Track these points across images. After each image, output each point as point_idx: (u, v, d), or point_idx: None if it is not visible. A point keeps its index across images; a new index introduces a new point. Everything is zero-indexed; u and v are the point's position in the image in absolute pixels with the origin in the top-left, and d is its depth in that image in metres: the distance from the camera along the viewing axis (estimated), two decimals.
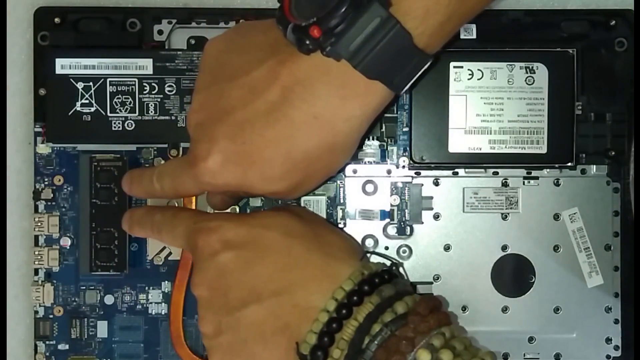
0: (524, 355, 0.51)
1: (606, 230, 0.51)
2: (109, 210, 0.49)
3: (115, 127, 0.49)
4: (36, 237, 0.50)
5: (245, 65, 0.41)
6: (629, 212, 0.48)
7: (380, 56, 0.38)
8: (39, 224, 0.50)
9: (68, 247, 0.50)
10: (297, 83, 0.39)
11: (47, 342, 0.50)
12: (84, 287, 0.50)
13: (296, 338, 0.40)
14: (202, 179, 0.42)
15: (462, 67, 0.49)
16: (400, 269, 0.44)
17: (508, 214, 0.51)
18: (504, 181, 0.51)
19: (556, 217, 0.51)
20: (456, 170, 0.51)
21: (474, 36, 0.50)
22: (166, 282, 0.51)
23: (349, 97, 0.39)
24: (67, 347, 0.50)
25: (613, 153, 0.50)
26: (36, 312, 0.50)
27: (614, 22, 0.50)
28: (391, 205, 0.51)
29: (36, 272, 0.50)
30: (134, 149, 0.50)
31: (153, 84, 0.49)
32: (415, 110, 0.50)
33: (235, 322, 0.41)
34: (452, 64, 0.49)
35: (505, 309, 0.51)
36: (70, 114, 0.49)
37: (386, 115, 0.50)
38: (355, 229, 0.50)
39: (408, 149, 0.50)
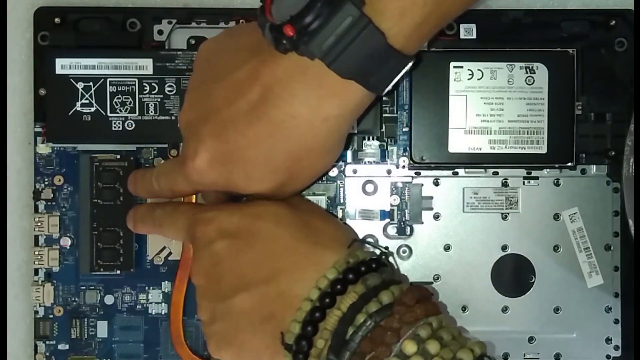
0: (524, 355, 0.51)
1: (606, 230, 0.51)
2: (113, 209, 0.49)
3: (115, 127, 0.49)
4: (36, 237, 0.50)
5: (230, 65, 0.41)
6: (624, 213, 0.48)
7: (354, 55, 0.38)
8: (39, 224, 0.50)
9: (68, 247, 0.50)
10: (276, 82, 0.40)
11: (47, 342, 0.50)
12: (84, 287, 0.50)
13: (281, 327, 0.41)
14: (192, 178, 0.43)
15: (462, 67, 0.49)
16: (390, 258, 0.44)
17: (508, 214, 0.51)
18: (504, 181, 0.51)
19: (556, 217, 0.51)
20: (456, 170, 0.51)
21: (474, 36, 0.50)
22: (166, 282, 0.51)
23: (326, 96, 0.40)
24: (67, 347, 0.50)
25: (613, 153, 0.50)
26: (36, 312, 0.50)
27: (614, 22, 0.50)
28: (391, 205, 0.51)
29: (36, 272, 0.50)
30: (134, 149, 0.50)
31: (153, 84, 0.49)
32: (415, 110, 0.50)
33: (227, 310, 0.42)
34: (452, 64, 0.49)
35: (505, 309, 0.51)
36: (70, 114, 0.49)
37: (386, 115, 0.50)
38: (355, 229, 0.50)
39: (408, 149, 0.50)
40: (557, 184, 0.51)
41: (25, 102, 0.51)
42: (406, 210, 0.51)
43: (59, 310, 0.50)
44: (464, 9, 0.41)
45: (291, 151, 0.41)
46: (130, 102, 0.49)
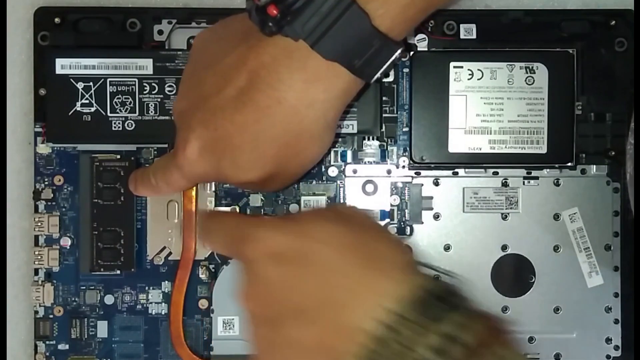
0: (524, 355, 0.51)
1: (606, 230, 0.51)
2: (113, 209, 0.49)
3: (115, 127, 0.49)
4: (36, 237, 0.50)
5: (220, 53, 0.42)
6: (629, 212, 0.48)
7: (337, 36, 0.39)
8: (39, 224, 0.50)
9: (68, 247, 0.50)
10: (262, 67, 0.40)
11: (47, 342, 0.50)
12: (84, 287, 0.50)
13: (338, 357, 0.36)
14: (184, 169, 0.43)
15: (462, 67, 0.49)
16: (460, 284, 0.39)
17: (508, 214, 0.51)
18: (504, 181, 0.51)
19: (556, 217, 0.51)
20: (456, 170, 0.51)
21: (474, 36, 0.50)
22: (166, 282, 0.51)
23: (311, 80, 0.40)
24: (67, 347, 0.50)
25: (613, 153, 0.50)
26: (36, 312, 0.50)
27: (614, 22, 0.50)
28: (391, 205, 0.51)
29: (36, 272, 0.50)
30: (134, 149, 0.50)
31: (153, 84, 0.49)
32: (415, 110, 0.50)
33: (282, 340, 0.37)
34: (452, 64, 0.49)
35: (505, 309, 0.51)
36: (70, 114, 0.49)
37: (386, 115, 0.50)
38: None
39: (408, 149, 0.50)
40: (557, 184, 0.51)
41: (25, 102, 0.51)
42: (406, 210, 0.51)
43: (59, 310, 0.50)
44: None
45: (277, 138, 0.41)
46: (130, 102, 0.49)
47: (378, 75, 0.41)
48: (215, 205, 0.50)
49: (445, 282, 0.38)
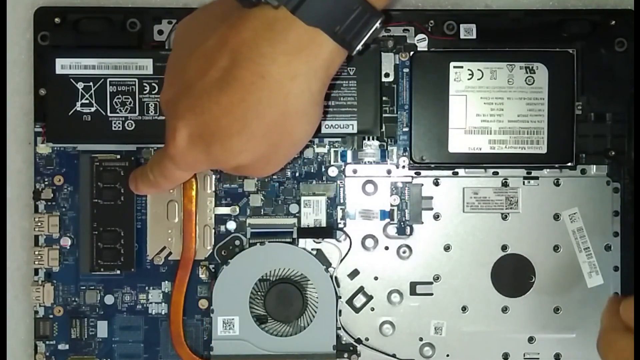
0: (524, 355, 0.51)
1: (606, 230, 0.51)
2: (113, 209, 0.49)
3: (115, 127, 0.49)
4: (36, 237, 0.50)
5: (201, 37, 0.41)
6: (629, 212, 0.48)
7: (318, 1, 0.39)
8: (39, 224, 0.50)
9: (68, 247, 0.50)
10: (243, 44, 0.40)
11: (47, 342, 0.50)
12: (84, 287, 0.50)
13: None
14: (176, 159, 0.42)
15: (462, 67, 0.49)
16: None
17: (508, 214, 0.51)
18: (504, 181, 0.51)
19: (556, 217, 0.51)
20: (456, 170, 0.51)
21: (474, 36, 0.50)
22: (166, 282, 0.51)
23: (293, 52, 0.39)
24: (67, 347, 0.50)
25: (613, 153, 0.50)
26: (36, 312, 0.50)
27: (614, 22, 0.50)
28: (391, 205, 0.51)
29: (36, 272, 0.50)
30: (134, 149, 0.50)
31: (153, 84, 0.49)
32: (415, 110, 0.50)
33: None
34: (452, 64, 0.49)
35: (505, 309, 0.51)
36: (70, 114, 0.49)
37: (386, 115, 0.50)
38: (355, 229, 0.51)
39: (408, 149, 0.50)
40: (557, 184, 0.51)
41: (25, 102, 0.51)
42: (406, 210, 0.51)
43: (59, 310, 0.50)
44: None
45: (265, 115, 0.40)
46: (130, 102, 0.49)
47: (360, 47, 0.41)
48: (215, 206, 0.51)
49: None
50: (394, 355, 0.51)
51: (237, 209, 0.51)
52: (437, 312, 0.51)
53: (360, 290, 0.51)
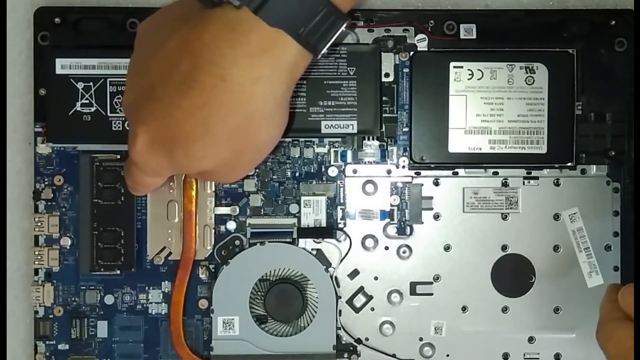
0: (524, 355, 0.51)
1: (606, 230, 0.51)
2: (113, 209, 0.49)
3: (115, 127, 0.49)
4: (36, 237, 0.50)
5: (162, 39, 0.40)
6: (629, 212, 0.48)
7: (281, 1, 0.38)
8: (39, 224, 0.50)
9: (68, 247, 0.50)
10: (204, 46, 0.39)
11: (47, 342, 0.50)
12: (84, 287, 0.50)
13: None
14: (139, 165, 0.42)
15: (462, 67, 0.49)
16: None
17: (508, 214, 0.51)
18: (504, 181, 0.51)
19: (556, 217, 0.51)
20: (456, 170, 0.51)
21: (474, 36, 0.50)
22: (166, 282, 0.51)
23: (255, 54, 0.38)
24: (67, 347, 0.50)
25: (613, 153, 0.50)
26: (36, 312, 0.50)
27: (614, 22, 0.50)
28: (391, 205, 0.51)
29: (36, 272, 0.50)
30: None
31: None
32: (415, 110, 0.50)
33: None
34: (452, 64, 0.49)
35: (505, 309, 0.51)
36: (70, 114, 0.49)
37: (386, 115, 0.50)
38: (355, 229, 0.51)
39: (408, 149, 0.50)
40: (557, 184, 0.51)
41: (25, 102, 0.51)
42: (406, 210, 0.51)
43: (59, 310, 0.50)
44: None
45: (227, 120, 0.39)
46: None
47: (324, 50, 0.40)
48: (215, 206, 0.51)
49: None
50: (394, 355, 0.51)
51: (237, 209, 0.51)
52: (437, 312, 0.51)
53: (360, 290, 0.51)
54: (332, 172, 0.51)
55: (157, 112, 0.40)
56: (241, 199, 0.51)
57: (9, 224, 0.51)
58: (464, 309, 0.50)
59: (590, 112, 0.51)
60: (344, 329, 0.50)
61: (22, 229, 0.51)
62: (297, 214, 0.51)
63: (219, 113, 0.39)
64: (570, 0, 0.51)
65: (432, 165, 0.50)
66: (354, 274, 0.51)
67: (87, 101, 0.49)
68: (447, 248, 0.51)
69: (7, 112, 0.51)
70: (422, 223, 0.51)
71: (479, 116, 0.49)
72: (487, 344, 0.50)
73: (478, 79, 0.49)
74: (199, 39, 0.39)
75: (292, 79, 0.41)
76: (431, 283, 0.51)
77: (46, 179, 0.50)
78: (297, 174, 0.51)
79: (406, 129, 0.50)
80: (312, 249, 0.50)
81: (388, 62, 0.50)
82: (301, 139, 0.50)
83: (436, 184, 0.51)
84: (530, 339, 0.51)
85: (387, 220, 0.51)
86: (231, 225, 0.51)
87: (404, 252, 0.51)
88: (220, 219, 0.51)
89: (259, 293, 0.50)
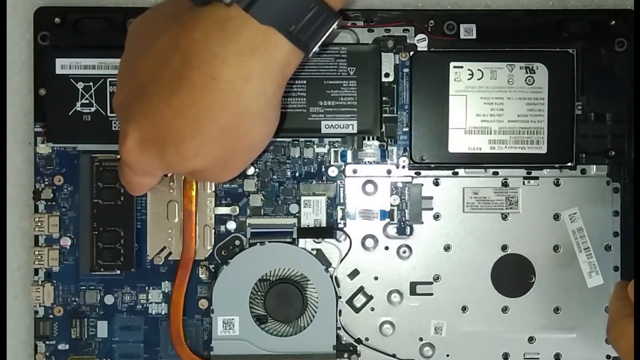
0: (524, 355, 0.51)
1: (606, 230, 0.51)
2: (113, 209, 0.49)
3: (115, 127, 0.49)
4: (36, 237, 0.50)
5: (153, 37, 0.40)
6: (629, 212, 0.48)
7: None
8: (39, 224, 0.50)
9: (68, 247, 0.50)
10: (194, 44, 0.38)
11: (47, 342, 0.50)
12: (84, 287, 0.50)
13: None
14: (130, 164, 0.41)
15: (462, 67, 0.49)
16: None
17: (508, 214, 0.51)
18: (504, 181, 0.51)
19: (556, 217, 0.51)
20: (456, 170, 0.51)
21: (474, 36, 0.50)
22: (166, 282, 0.51)
23: (246, 52, 0.38)
24: (67, 347, 0.50)
25: (613, 153, 0.50)
26: (36, 312, 0.50)
27: (614, 22, 0.50)
28: (391, 205, 0.51)
29: (36, 272, 0.50)
30: None
31: None
32: (415, 110, 0.50)
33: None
34: (452, 64, 0.49)
35: (505, 309, 0.51)
36: (70, 114, 0.49)
37: (386, 115, 0.50)
38: (355, 229, 0.51)
39: (408, 149, 0.50)
40: (557, 184, 0.51)
41: (25, 102, 0.51)
42: (406, 210, 0.51)
43: (59, 310, 0.50)
44: None
45: (218, 118, 0.39)
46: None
47: (316, 48, 0.40)
48: (215, 206, 0.51)
49: None
50: (394, 355, 0.51)
51: (237, 209, 0.51)
52: (437, 312, 0.51)
53: (360, 290, 0.51)
54: (332, 172, 0.51)
55: (147, 111, 0.40)
56: (241, 199, 0.51)
57: (9, 224, 0.51)
58: (464, 309, 0.50)
59: (590, 112, 0.51)
60: (344, 329, 0.50)
61: (22, 229, 0.51)
62: (297, 214, 0.51)
63: (209, 111, 0.39)
64: (570, 0, 0.51)
65: (432, 165, 0.50)
66: (354, 274, 0.51)
67: (87, 101, 0.49)
68: (447, 248, 0.51)
69: (7, 112, 0.51)
70: (422, 223, 0.51)
71: (479, 116, 0.50)
72: (487, 344, 0.50)
73: (478, 79, 0.49)
74: (189, 37, 0.39)
75: (283, 77, 0.40)
76: (431, 283, 0.51)
77: (46, 179, 0.50)
78: (297, 174, 0.51)
79: (406, 129, 0.50)
80: (312, 249, 0.50)
81: (388, 62, 0.50)
82: (301, 139, 0.50)
83: (436, 184, 0.51)
84: (530, 339, 0.51)
85: (387, 220, 0.51)
86: (231, 225, 0.51)
87: (404, 252, 0.51)
88: (220, 219, 0.51)
89: (259, 293, 0.50)
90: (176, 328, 0.50)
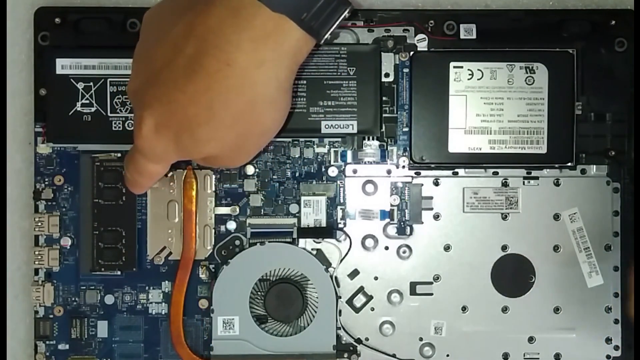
0: (524, 355, 0.51)
1: (606, 230, 0.51)
2: (114, 209, 0.49)
3: (115, 127, 0.49)
4: (36, 237, 0.50)
5: (168, 25, 0.41)
6: (629, 212, 0.48)
7: None
8: (39, 224, 0.50)
9: (68, 247, 0.50)
10: (209, 31, 0.39)
11: (47, 342, 0.50)
12: (84, 287, 0.50)
13: None
14: (144, 151, 0.42)
15: (462, 67, 0.49)
16: None
17: (508, 214, 0.51)
18: (504, 181, 0.51)
19: (556, 217, 0.51)
20: (456, 170, 0.51)
21: (474, 36, 0.50)
22: (166, 282, 0.51)
23: (259, 38, 0.39)
24: (67, 347, 0.50)
25: (613, 153, 0.50)
26: (36, 312, 0.50)
27: (614, 22, 0.50)
28: (391, 205, 0.51)
29: (36, 272, 0.50)
30: None
31: None
32: (415, 110, 0.50)
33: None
34: (452, 64, 0.49)
35: (505, 309, 0.51)
36: (70, 114, 0.49)
37: (386, 115, 0.50)
38: (355, 229, 0.51)
39: (408, 149, 0.50)
40: (557, 184, 0.51)
41: (25, 102, 0.51)
42: (406, 210, 0.51)
43: (59, 310, 0.50)
44: None
45: (232, 104, 0.40)
46: (131, 102, 0.49)
47: (327, 35, 0.41)
48: (215, 206, 0.51)
49: None
50: (394, 355, 0.51)
51: (237, 209, 0.51)
52: (437, 312, 0.51)
53: (360, 290, 0.51)
54: (332, 172, 0.51)
55: (162, 97, 0.40)
56: (241, 199, 0.51)
57: (9, 224, 0.51)
58: (464, 309, 0.50)
59: (590, 112, 0.51)
60: (344, 329, 0.50)
61: (22, 229, 0.51)
62: (297, 214, 0.51)
63: (223, 97, 0.40)
64: (570, 0, 0.52)
65: (432, 165, 0.50)
66: (354, 274, 0.51)
67: (87, 101, 0.49)
68: (447, 248, 0.51)
69: (7, 112, 0.51)
70: (422, 223, 0.51)
71: (479, 116, 0.50)
72: (487, 344, 0.50)
73: (478, 79, 0.49)
74: (203, 24, 0.39)
75: (295, 64, 0.41)
76: (431, 283, 0.51)
77: (46, 179, 0.50)
78: (297, 174, 0.51)
79: (406, 129, 0.50)
80: (312, 249, 0.50)
81: (388, 62, 0.50)
82: (301, 139, 0.50)
83: (436, 184, 0.51)
84: (530, 339, 0.51)
85: (387, 220, 0.51)
86: (231, 225, 0.51)
87: (404, 252, 0.51)
88: (220, 219, 0.51)
89: (259, 293, 0.50)
90: (176, 328, 0.50)
